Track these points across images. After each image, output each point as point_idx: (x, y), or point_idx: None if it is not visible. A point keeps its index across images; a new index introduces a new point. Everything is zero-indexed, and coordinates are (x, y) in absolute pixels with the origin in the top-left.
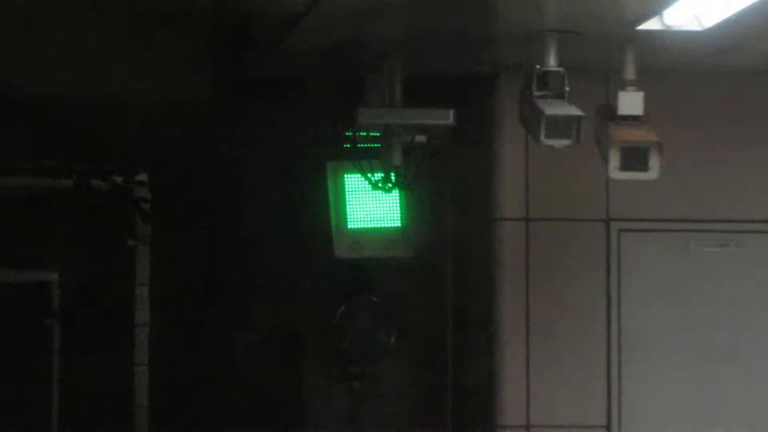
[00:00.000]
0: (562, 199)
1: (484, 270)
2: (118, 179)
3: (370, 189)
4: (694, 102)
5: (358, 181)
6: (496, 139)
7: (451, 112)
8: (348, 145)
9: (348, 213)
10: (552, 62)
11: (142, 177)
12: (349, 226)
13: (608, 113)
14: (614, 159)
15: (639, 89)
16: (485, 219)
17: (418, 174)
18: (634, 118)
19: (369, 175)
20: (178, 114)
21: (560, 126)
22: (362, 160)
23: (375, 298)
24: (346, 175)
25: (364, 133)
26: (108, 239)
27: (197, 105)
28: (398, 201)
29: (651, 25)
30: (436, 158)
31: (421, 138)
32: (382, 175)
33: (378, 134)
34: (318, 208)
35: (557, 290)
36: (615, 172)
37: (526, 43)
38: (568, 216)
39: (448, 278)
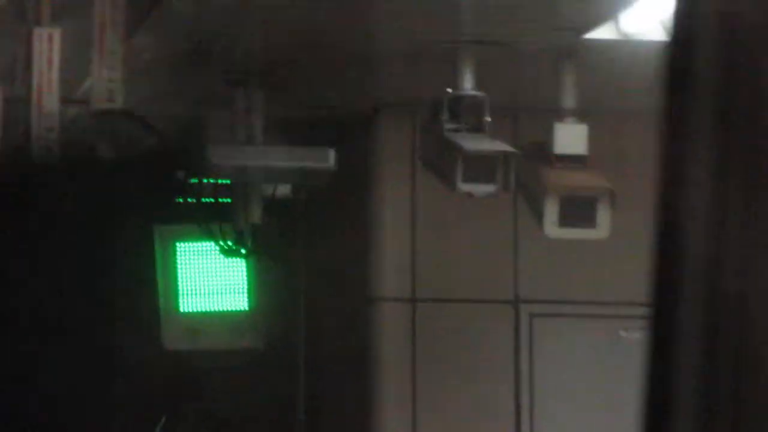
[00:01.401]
0: (461, 274)
1: (355, 368)
2: None
3: (213, 259)
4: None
5: (194, 250)
6: (375, 195)
7: (332, 153)
8: (186, 199)
9: (180, 292)
10: (468, 85)
11: None
12: (181, 309)
13: (540, 152)
14: (551, 212)
15: (581, 121)
16: (360, 299)
17: (281, 239)
18: (575, 159)
19: (217, 239)
20: None
21: (482, 167)
22: (203, 220)
23: (207, 408)
24: (178, 243)
25: (209, 182)
26: None
27: None
28: (246, 276)
29: (603, 33)
30: (299, 218)
31: (283, 190)
32: (233, 239)
33: (227, 182)
34: (142, 285)
35: (454, 394)
36: (552, 229)
37: (425, 62)
38: (467, 296)
39: (301, 382)
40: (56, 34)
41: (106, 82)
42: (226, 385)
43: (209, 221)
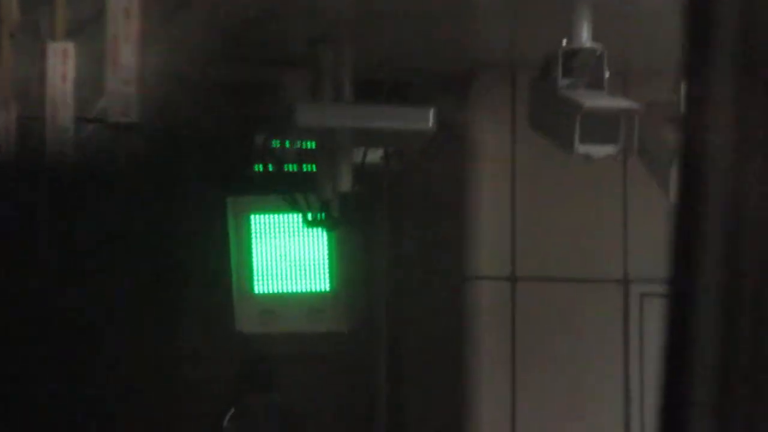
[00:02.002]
0: (565, 251)
1: (447, 353)
2: None
3: (292, 235)
4: None
5: (271, 223)
6: (471, 164)
7: (431, 113)
8: (264, 167)
9: (255, 271)
10: (584, 37)
11: None
12: (256, 290)
13: (664, 111)
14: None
15: None
16: (455, 277)
17: (371, 211)
18: None
19: (301, 210)
20: None
21: (603, 126)
22: (283, 190)
23: (278, 399)
24: (253, 216)
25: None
26: None
27: None
28: (327, 253)
29: None
30: (390, 188)
31: (374, 156)
32: (318, 210)
33: (313, 146)
34: (213, 263)
35: (557, 380)
36: None
37: (527, 15)
38: (571, 275)
39: (382, 365)
40: (70, 48)
41: (120, 96)
42: (303, 372)
43: (290, 191)
